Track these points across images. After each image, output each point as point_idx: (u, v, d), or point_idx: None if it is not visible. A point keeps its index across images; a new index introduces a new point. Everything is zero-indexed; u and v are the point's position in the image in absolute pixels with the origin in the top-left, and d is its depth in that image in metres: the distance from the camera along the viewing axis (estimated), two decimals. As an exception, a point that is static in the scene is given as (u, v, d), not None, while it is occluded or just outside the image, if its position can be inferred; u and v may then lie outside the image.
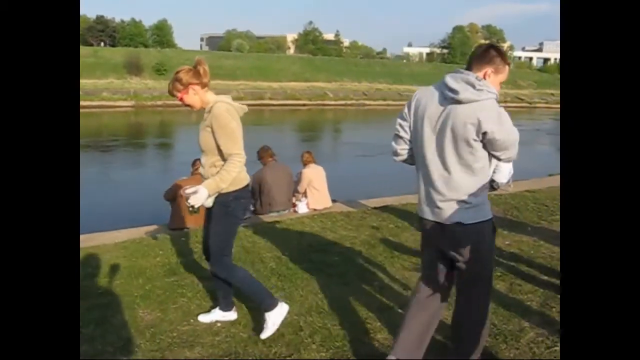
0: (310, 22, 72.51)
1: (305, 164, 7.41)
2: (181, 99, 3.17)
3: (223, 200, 3.17)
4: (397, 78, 54.30)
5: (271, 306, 3.26)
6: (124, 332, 3.35)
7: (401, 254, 4.85)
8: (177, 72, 3.17)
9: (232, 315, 3.52)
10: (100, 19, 63.96)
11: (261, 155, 7.05)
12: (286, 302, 3.41)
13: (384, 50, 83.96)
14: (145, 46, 55.90)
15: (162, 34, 61.01)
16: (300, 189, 7.29)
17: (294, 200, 7.26)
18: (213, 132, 3.09)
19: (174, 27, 63.21)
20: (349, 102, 45.32)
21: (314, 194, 7.26)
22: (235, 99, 3.36)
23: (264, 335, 3.21)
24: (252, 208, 6.93)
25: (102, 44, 58.78)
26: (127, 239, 5.48)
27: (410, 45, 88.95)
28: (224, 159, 3.12)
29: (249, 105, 3.62)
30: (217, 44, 70.12)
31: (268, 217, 6.70)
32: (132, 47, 52.48)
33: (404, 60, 69.22)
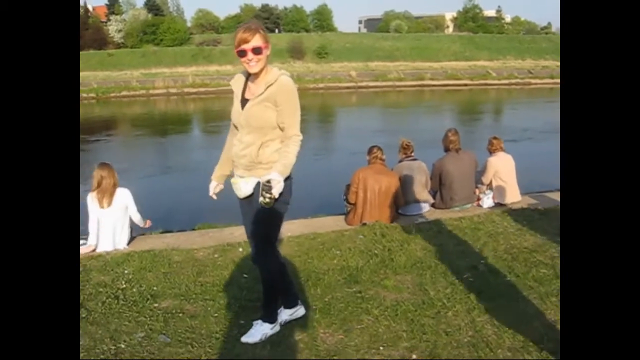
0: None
1: (492, 152, 6.43)
2: (258, 51, 2.65)
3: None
4: (567, 54, 49.51)
5: (291, 303, 3.15)
6: (300, 357, 2.82)
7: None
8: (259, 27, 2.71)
9: (300, 310, 3.19)
10: (265, 7, 66.72)
11: (447, 140, 6.20)
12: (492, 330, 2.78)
13: (549, 24, 77.23)
14: (307, 31, 57.13)
15: (322, 19, 61.86)
16: (485, 180, 6.36)
17: (477, 192, 6.34)
18: (276, 107, 2.70)
19: (333, 11, 63.90)
20: (513, 80, 42.18)
21: (501, 186, 6.28)
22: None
23: (271, 327, 3.01)
24: (432, 201, 6.16)
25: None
26: (300, 234, 5.03)
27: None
28: (276, 140, 2.76)
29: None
30: (375, 25, 69.50)
31: (450, 213, 5.88)
32: (295, 33, 53.92)
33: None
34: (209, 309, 3.39)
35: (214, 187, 3.10)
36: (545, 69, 43.96)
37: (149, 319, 3.27)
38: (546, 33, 65.07)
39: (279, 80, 2.72)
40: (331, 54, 47.35)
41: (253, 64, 2.68)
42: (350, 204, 5.90)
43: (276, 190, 2.55)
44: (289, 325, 3.13)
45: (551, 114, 20.57)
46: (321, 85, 39.35)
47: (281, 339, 2.98)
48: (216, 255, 4.48)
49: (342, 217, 6.04)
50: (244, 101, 2.82)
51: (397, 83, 40.25)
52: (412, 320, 3.18)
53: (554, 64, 44.59)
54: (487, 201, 6.25)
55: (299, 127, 2.77)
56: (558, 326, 3.09)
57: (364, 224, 5.55)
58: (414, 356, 2.81)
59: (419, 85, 40.11)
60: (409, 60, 47.00)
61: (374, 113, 28.24)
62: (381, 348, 2.90)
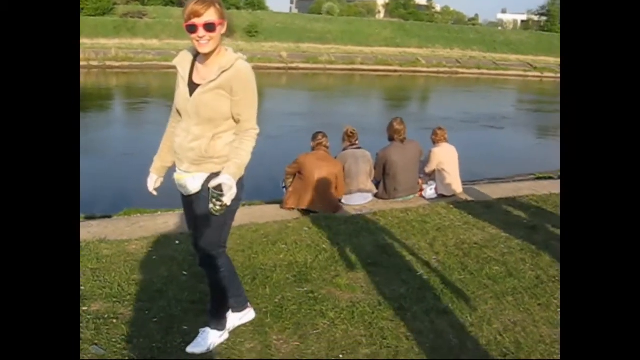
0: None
1: (435, 142, 6.36)
2: (211, 28, 2.28)
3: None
4: (491, 46, 51.04)
5: (241, 306, 2.81)
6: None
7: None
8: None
9: (250, 314, 2.88)
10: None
11: (392, 129, 6.05)
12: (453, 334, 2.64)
13: (477, 16, 79.70)
14: (238, 8, 55.68)
15: (253, -4, 60.55)
16: (428, 170, 6.30)
17: (420, 183, 6.26)
18: (231, 96, 2.37)
19: (265, -11, 62.46)
20: (441, 69, 43.10)
21: (443, 177, 6.23)
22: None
23: (220, 335, 2.73)
24: (375, 191, 6.02)
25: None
26: (240, 224, 4.69)
27: (504, 11, 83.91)
28: (229, 132, 2.45)
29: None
30: (307, 6, 68.91)
31: (394, 204, 5.76)
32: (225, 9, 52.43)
33: (499, 27, 65.04)
34: (146, 312, 3.04)
35: (154, 180, 2.70)
36: (473, 59, 45.20)
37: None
38: (473, 24, 66.93)
39: (235, 65, 2.38)
40: (262, 33, 46.40)
41: (204, 42, 2.31)
42: (287, 189, 5.69)
43: (228, 198, 2.26)
44: (238, 331, 2.85)
45: (473, 104, 21.24)
46: (251, 64, 38.36)
47: (231, 348, 2.71)
48: (150, 249, 4.09)
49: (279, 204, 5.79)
50: (193, 86, 2.43)
51: (328, 66, 39.99)
52: (370, 323, 2.99)
53: (481, 54, 46.02)
54: (430, 192, 6.19)
55: (256, 120, 2.47)
56: (518, 327, 3.01)
57: (307, 211, 5.35)
58: (376, 365, 2.63)
59: (350, 70, 40.08)
60: (340, 44, 46.89)
61: (302, 95, 27.87)
62: (340, 356, 2.70)
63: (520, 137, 15.19)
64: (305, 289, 3.41)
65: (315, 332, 2.90)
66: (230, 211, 2.48)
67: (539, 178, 8.59)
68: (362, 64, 42.05)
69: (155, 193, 2.71)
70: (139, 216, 5.42)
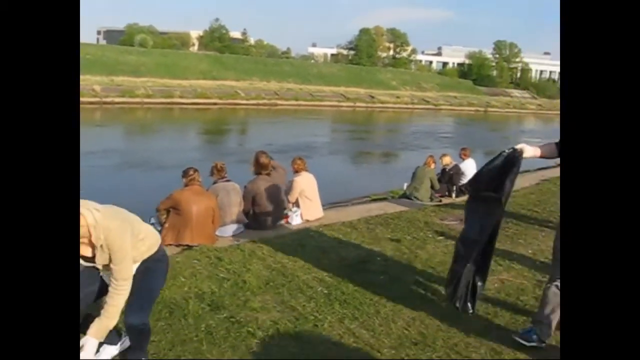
0: (217, 19, 70.76)
1: (296, 171, 6.89)
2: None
3: (153, 260, 2.80)
4: (305, 78, 54.14)
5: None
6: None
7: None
8: None
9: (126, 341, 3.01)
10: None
11: (258, 164, 6.42)
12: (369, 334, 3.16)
13: (289, 49, 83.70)
14: (38, 38, 51.54)
15: (56, 26, 56.44)
16: (292, 198, 6.78)
17: (285, 211, 6.72)
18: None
19: (67, 18, 58.52)
20: (261, 101, 44.56)
21: (307, 204, 6.77)
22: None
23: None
24: (245, 221, 6.32)
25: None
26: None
27: (314, 45, 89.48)
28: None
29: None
30: (116, 38, 66.24)
31: (266, 232, 6.12)
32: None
33: (312, 61, 69.32)
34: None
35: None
36: (290, 91, 47.43)
37: None
38: (287, 57, 70.05)
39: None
40: (70, 66, 43.56)
41: None
42: (163, 225, 5.74)
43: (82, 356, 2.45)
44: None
45: (291, 134, 22.61)
46: (61, 99, 35.81)
47: (181, 376, 2.85)
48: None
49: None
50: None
51: (146, 100, 38.92)
52: (297, 337, 3.33)
53: (297, 86, 48.51)
54: (296, 218, 6.66)
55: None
56: (417, 322, 3.58)
57: (186, 246, 5.47)
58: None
59: (169, 103, 39.45)
60: (156, 77, 45.78)
61: (118, 132, 26.30)
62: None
63: (339, 163, 16.55)
64: (224, 315, 3.61)
65: (251, 351, 3.14)
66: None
67: (373, 200, 9.61)
68: (180, 97, 41.62)
69: None
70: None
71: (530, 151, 3.23)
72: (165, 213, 5.78)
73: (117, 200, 2.80)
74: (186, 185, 5.82)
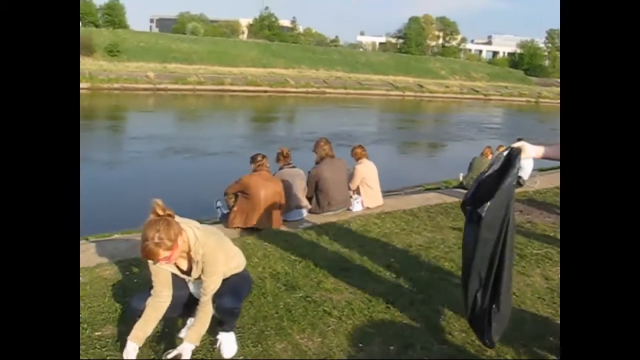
0: (267, 7, 71.33)
1: (357, 159, 7.02)
2: (168, 256, 2.65)
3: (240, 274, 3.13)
4: (354, 66, 54.06)
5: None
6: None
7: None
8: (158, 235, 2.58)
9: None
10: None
11: (319, 149, 6.59)
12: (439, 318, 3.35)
13: (337, 38, 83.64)
14: (96, 26, 53.12)
15: (113, 14, 58.01)
16: (353, 185, 6.92)
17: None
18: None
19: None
20: (310, 89, 44.79)
21: (367, 192, 6.90)
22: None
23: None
24: (309, 206, 6.50)
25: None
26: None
27: (362, 34, 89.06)
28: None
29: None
30: (168, 26, 67.74)
31: (328, 217, 6.29)
32: (82, 27, 49.82)
33: (360, 49, 69.04)
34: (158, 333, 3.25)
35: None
36: (339, 79, 47.46)
37: None
38: (335, 46, 69.95)
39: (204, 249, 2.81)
40: (124, 53, 44.77)
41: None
42: (231, 208, 5.98)
43: None
44: (263, 335, 3.19)
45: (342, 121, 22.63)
46: (116, 85, 36.94)
47: (265, 350, 3.04)
48: (127, 273, 4.20)
49: (219, 223, 6.05)
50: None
51: (198, 87, 39.76)
52: (370, 317, 3.48)
53: (346, 75, 48.48)
54: (357, 205, 6.81)
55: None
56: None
57: (251, 229, 5.68)
58: (392, 347, 3.12)
59: (219, 90, 40.17)
60: (207, 64, 46.66)
61: (170, 118, 26.99)
62: (360, 345, 3.14)
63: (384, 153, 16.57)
64: (300, 294, 3.80)
65: (329, 328, 3.32)
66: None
67: (427, 189, 9.62)
68: (231, 84, 42.30)
69: None
70: (94, 241, 5.38)
71: (531, 151, 2.68)
72: (233, 197, 6.02)
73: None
74: (254, 170, 6.03)
